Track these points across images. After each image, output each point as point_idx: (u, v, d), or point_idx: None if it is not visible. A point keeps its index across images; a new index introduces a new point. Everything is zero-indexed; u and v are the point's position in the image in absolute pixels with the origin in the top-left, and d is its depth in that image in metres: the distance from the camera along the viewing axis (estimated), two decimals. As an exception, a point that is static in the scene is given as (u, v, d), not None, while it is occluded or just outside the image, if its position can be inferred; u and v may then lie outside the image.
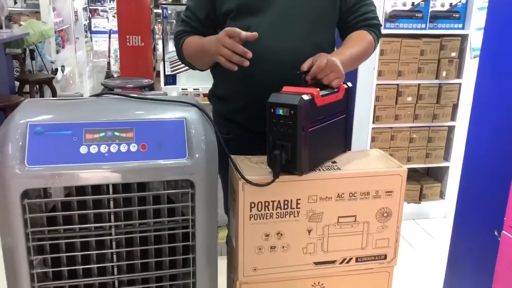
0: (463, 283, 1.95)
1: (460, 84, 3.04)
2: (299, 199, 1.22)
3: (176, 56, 1.60)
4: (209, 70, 1.58)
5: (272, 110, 1.16)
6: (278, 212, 1.21)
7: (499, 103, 1.71)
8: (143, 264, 1.15)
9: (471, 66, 2.94)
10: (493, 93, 1.75)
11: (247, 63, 1.26)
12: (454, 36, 2.96)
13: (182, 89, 2.46)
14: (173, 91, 2.45)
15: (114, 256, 1.12)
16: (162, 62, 2.58)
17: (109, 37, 7.65)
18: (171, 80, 2.47)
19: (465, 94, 3.01)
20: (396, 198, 1.27)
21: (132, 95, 1.23)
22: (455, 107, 3.09)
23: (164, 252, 1.16)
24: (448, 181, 3.20)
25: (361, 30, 1.49)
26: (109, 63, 7.11)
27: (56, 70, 7.78)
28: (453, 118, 3.11)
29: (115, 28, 6.01)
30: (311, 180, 1.21)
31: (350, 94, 1.35)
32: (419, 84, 2.97)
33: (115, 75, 6.91)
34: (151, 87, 3.44)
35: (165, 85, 2.52)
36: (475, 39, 2.92)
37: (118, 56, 6.03)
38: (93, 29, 13.72)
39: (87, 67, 9.80)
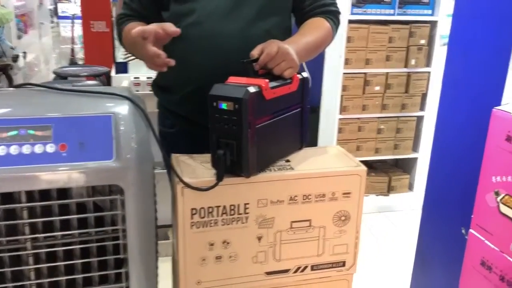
0: (431, 278, 1.89)
1: (429, 72, 2.97)
2: (248, 204, 1.09)
3: None
4: None
5: (214, 104, 1.03)
6: (224, 219, 1.08)
7: (468, 93, 1.63)
8: (69, 281, 1.01)
9: (440, 54, 2.86)
10: (462, 82, 1.67)
11: (172, 63, 1.10)
12: (423, 23, 2.88)
13: (134, 77, 2.31)
14: (124, 80, 2.29)
15: (32, 273, 0.98)
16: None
17: (73, 23, 7.31)
18: (122, 68, 2.31)
19: (434, 83, 2.93)
20: (355, 200, 1.16)
21: (56, 86, 1.08)
22: (424, 96, 3.02)
23: (93, 266, 1.02)
24: (416, 172, 3.14)
25: (318, 17, 1.36)
26: (72, 49, 6.81)
27: (17, 56, 7.43)
28: (422, 108, 3.04)
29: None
30: (260, 182, 1.08)
31: (305, 85, 1.22)
32: (387, 73, 2.88)
33: (80, 63, 6.64)
34: (108, 75, 3.24)
35: (116, 73, 2.35)
36: (445, 26, 2.84)
37: (84, 42, 5.77)
38: (60, 14, 13.19)
39: (54, 53, 9.41)
